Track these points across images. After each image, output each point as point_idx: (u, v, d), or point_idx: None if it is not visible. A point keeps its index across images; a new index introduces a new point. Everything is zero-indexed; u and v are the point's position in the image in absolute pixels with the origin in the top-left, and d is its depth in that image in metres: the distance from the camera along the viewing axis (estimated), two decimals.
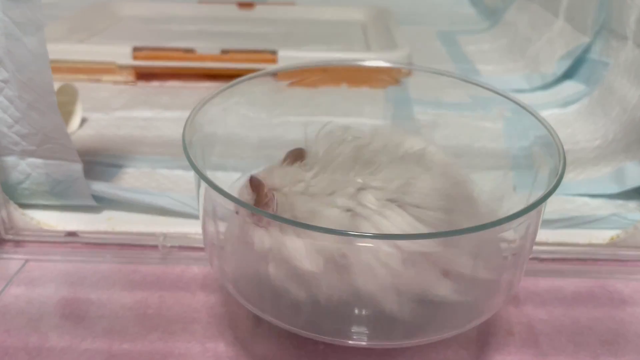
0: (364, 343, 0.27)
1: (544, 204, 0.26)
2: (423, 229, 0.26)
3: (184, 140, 0.28)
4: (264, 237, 0.26)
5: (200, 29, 0.86)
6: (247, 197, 0.27)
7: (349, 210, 0.26)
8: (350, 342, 0.27)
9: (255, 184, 0.27)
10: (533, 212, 0.25)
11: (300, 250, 0.25)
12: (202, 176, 0.26)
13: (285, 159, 0.29)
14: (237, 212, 0.27)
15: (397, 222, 0.26)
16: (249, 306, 0.28)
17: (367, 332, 0.27)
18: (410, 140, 0.31)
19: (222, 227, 0.29)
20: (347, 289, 0.25)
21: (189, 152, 0.28)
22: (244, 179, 0.36)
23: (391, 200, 0.26)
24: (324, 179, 0.27)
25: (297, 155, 0.29)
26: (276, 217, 0.26)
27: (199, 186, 0.28)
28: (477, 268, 0.26)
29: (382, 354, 0.31)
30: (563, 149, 0.29)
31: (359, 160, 0.28)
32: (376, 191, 0.26)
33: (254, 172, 0.29)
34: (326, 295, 0.26)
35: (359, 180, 0.27)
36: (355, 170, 0.27)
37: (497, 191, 0.32)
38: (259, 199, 0.27)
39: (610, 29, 0.61)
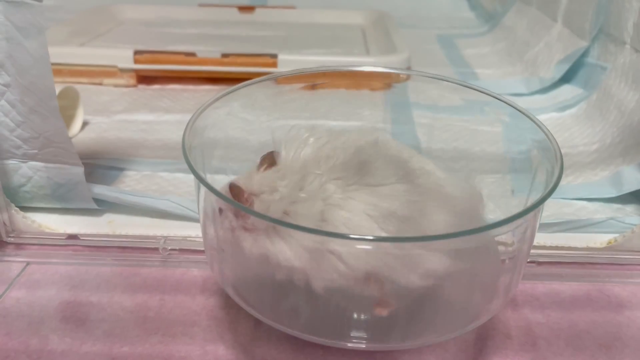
0: (362, 346, 0.27)
1: (541, 207, 0.26)
2: (383, 203, 0.27)
3: (183, 144, 0.29)
4: (251, 242, 0.27)
5: (201, 32, 0.86)
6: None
7: (322, 200, 0.27)
8: (349, 344, 0.27)
9: (235, 191, 0.28)
10: (530, 215, 0.26)
11: (284, 249, 0.26)
12: (201, 180, 0.26)
13: (261, 164, 0.30)
14: (220, 211, 0.28)
15: (363, 198, 0.27)
16: (249, 309, 0.28)
17: (365, 329, 0.27)
18: (366, 136, 0.32)
19: (221, 230, 0.29)
20: (336, 278, 0.26)
21: (188, 156, 0.28)
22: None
23: (354, 184, 0.28)
24: (292, 180, 0.28)
25: (271, 160, 0.30)
26: (265, 217, 0.26)
27: (198, 189, 0.29)
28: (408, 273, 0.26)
29: (382, 357, 0.31)
30: (560, 152, 0.29)
31: (320, 157, 0.29)
32: (337, 180, 0.28)
33: (233, 178, 0.30)
34: (321, 286, 0.26)
35: (318, 172, 0.28)
36: (319, 167, 0.29)
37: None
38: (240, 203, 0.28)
39: (608, 33, 0.62)
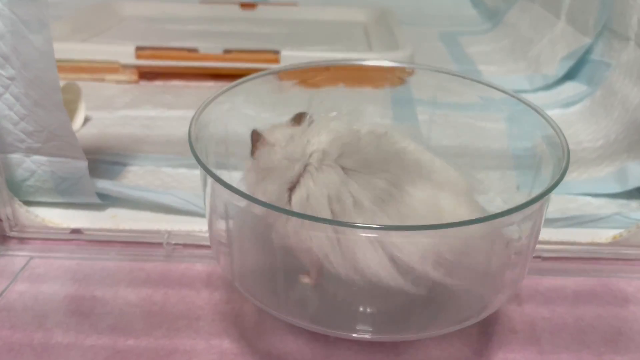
0: (368, 336, 0.27)
1: (547, 198, 0.26)
2: (356, 187, 0.27)
3: (190, 139, 0.29)
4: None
5: (202, 29, 0.86)
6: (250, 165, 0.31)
7: (303, 164, 0.28)
8: (354, 335, 0.27)
9: (255, 136, 0.30)
10: (536, 210, 0.25)
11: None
12: (211, 174, 0.26)
13: (291, 119, 0.32)
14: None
15: (331, 179, 0.28)
16: (255, 301, 0.28)
17: (371, 320, 0.27)
18: (403, 140, 0.31)
19: (230, 223, 0.29)
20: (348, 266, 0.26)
21: (195, 150, 0.28)
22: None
23: (335, 162, 0.28)
24: (300, 142, 0.29)
25: (300, 119, 0.31)
26: (272, 207, 0.26)
27: (205, 183, 0.29)
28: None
29: (386, 350, 0.31)
30: (567, 145, 0.29)
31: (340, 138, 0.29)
32: (323, 154, 0.28)
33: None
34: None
35: (314, 140, 0.29)
36: (330, 147, 0.29)
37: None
38: (253, 148, 0.30)
39: (612, 29, 0.62)
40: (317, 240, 0.26)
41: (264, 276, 0.30)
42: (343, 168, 0.28)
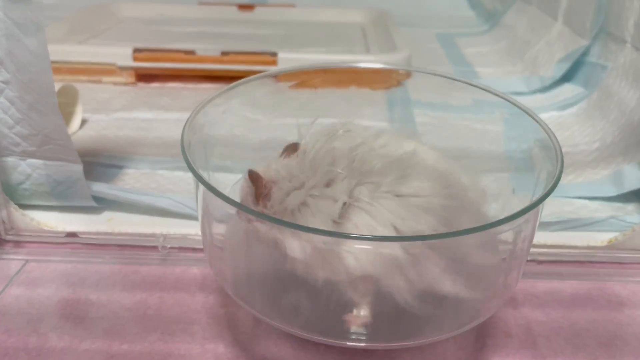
0: (362, 344, 0.27)
1: (541, 205, 0.26)
2: (423, 214, 0.26)
3: (182, 143, 0.29)
4: (266, 229, 0.27)
5: (200, 30, 0.86)
6: (248, 189, 0.28)
7: (344, 202, 0.26)
8: (348, 343, 0.27)
9: (253, 177, 0.27)
10: (530, 214, 0.25)
11: (291, 241, 0.26)
12: (199, 179, 0.26)
13: (283, 152, 0.30)
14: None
15: (393, 208, 0.26)
16: (248, 308, 0.28)
17: (365, 327, 0.27)
18: (406, 143, 0.31)
19: (221, 228, 0.29)
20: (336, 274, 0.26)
21: (187, 155, 0.28)
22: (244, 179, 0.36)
23: (387, 192, 0.27)
24: (318, 172, 0.27)
25: (293, 150, 0.30)
26: (266, 217, 0.26)
27: (197, 188, 0.29)
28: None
29: (381, 355, 0.31)
30: (561, 151, 0.29)
31: (355, 157, 0.28)
32: (371, 185, 0.27)
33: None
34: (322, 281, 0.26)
35: (341, 171, 0.27)
36: (352, 167, 0.28)
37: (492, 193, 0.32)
38: (257, 191, 0.27)
39: (608, 32, 0.62)
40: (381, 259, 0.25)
41: (256, 283, 0.29)
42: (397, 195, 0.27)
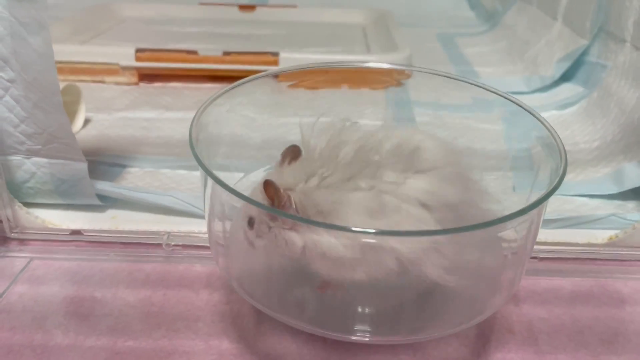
0: (366, 339, 0.27)
1: (545, 203, 0.26)
2: (447, 186, 0.27)
3: (190, 140, 0.29)
4: (294, 238, 0.26)
5: (202, 31, 0.86)
6: (262, 201, 0.27)
7: (372, 188, 0.26)
8: (353, 337, 0.27)
9: (270, 187, 0.26)
10: (534, 211, 0.26)
11: (333, 241, 0.25)
12: (212, 176, 0.26)
13: (284, 158, 0.30)
14: (249, 224, 0.27)
15: (420, 186, 0.27)
16: (255, 303, 0.28)
17: (369, 322, 0.27)
18: (415, 134, 0.31)
19: (228, 225, 0.29)
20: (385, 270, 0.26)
21: (196, 152, 0.28)
22: (246, 179, 0.36)
23: (405, 170, 0.27)
24: (337, 168, 0.27)
25: (295, 152, 0.30)
26: (298, 218, 0.26)
27: (205, 185, 0.29)
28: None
29: (385, 351, 0.32)
30: (564, 148, 0.29)
31: (364, 149, 0.28)
32: (393, 165, 0.27)
33: (256, 173, 0.29)
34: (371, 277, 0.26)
35: (376, 158, 0.27)
36: (369, 155, 0.28)
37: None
38: (278, 201, 0.27)
39: (608, 31, 0.62)
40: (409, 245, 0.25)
41: (262, 278, 0.30)
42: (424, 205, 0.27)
